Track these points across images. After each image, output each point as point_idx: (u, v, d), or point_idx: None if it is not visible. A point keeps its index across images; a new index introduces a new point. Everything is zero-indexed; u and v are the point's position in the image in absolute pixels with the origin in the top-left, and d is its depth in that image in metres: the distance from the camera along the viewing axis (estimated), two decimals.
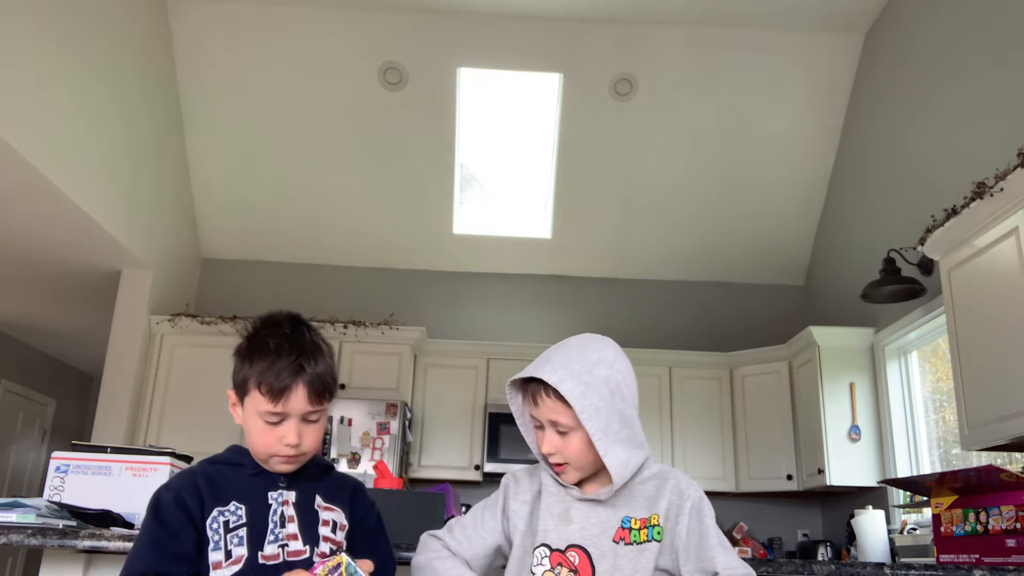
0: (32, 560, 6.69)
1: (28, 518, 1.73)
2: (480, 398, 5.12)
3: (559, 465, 1.32)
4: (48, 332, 6.47)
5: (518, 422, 1.39)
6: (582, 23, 4.77)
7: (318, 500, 1.37)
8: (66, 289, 5.32)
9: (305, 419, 1.32)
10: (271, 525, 1.31)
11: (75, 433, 7.56)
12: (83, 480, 2.02)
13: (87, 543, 1.66)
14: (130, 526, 1.91)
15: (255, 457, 1.35)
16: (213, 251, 5.74)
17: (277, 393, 1.29)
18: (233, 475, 1.34)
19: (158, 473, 2.05)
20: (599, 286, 5.80)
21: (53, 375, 7.32)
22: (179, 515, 1.28)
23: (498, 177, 5.60)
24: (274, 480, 1.35)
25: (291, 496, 1.34)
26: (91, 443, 2.58)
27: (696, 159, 5.26)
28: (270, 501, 1.33)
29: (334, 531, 1.36)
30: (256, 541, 1.29)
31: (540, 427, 1.32)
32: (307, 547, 1.31)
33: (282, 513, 1.32)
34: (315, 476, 1.40)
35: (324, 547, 1.33)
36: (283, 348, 1.31)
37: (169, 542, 1.26)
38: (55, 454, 2.07)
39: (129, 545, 1.67)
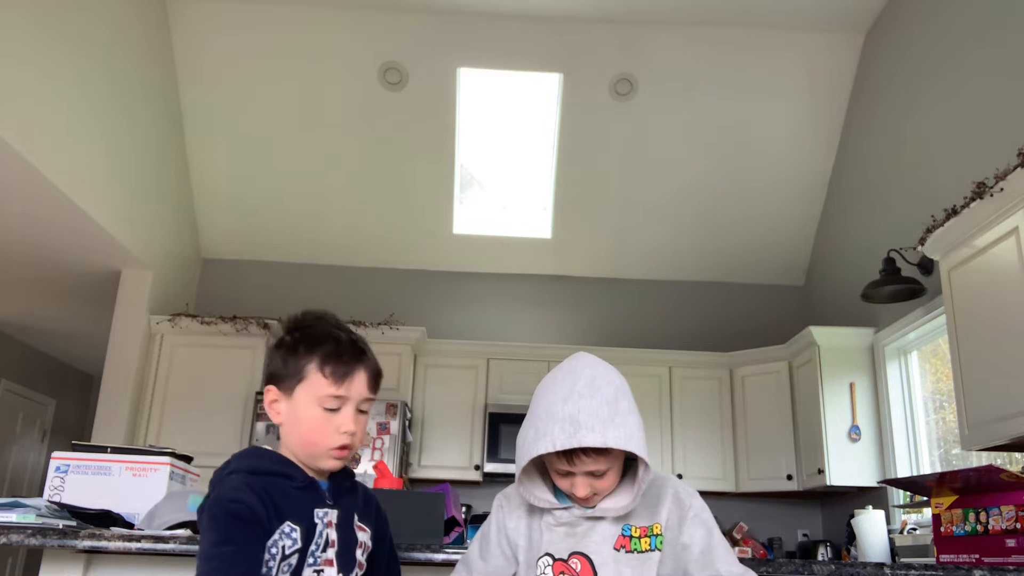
0: (32, 560, 6.68)
1: (28, 518, 1.73)
2: (480, 398, 5.12)
3: (586, 500, 1.30)
4: (48, 332, 6.47)
5: (521, 478, 1.33)
6: (582, 23, 4.76)
7: (356, 519, 1.32)
8: (66, 289, 5.32)
9: (359, 408, 1.29)
10: (313, 548, 1.23)
11: (75, 433, 7.56)
12: (83, 480, 2.03)
13: (87, 543, 1.66)
14: (130, 526, 1.91)
15: (307, 452, 1.28)
16: (213, 251, 5.74)
17: (342, 375, 1.26)
18: (283, 487, 1.24)
19: (158, 473, 2.05)
20: (599, 286, 5.80)
21: (53, 375, 7.32)
22: (256, 526, 1.17)
23: (498, 177, 5.60)
24: (320, 495, 1.28)
25: (334, 516, 1.28)
26: (91, 443, 2.58)
27: (696, 159, 5.26)
28: (315, 520, 1.25)
29: (364, 554, 1.32)
30: (298, 566, 1.22)
31: (566, 475, 1.28)
32: (341, 574, 1.26)
33: (327, 536, 1.25)
34: (350, 488, 1.35)
35: (355, 573, 1.28)
36: (339, 334, 1.31)
37: (252, 561, 1.15)
38: (55, 454, 2.07)
39: (129, 545, 1.66)
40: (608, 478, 1.28)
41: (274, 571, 1.19)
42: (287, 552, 1.20)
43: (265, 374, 1.34)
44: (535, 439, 1.25)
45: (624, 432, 1.23)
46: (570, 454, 1.24)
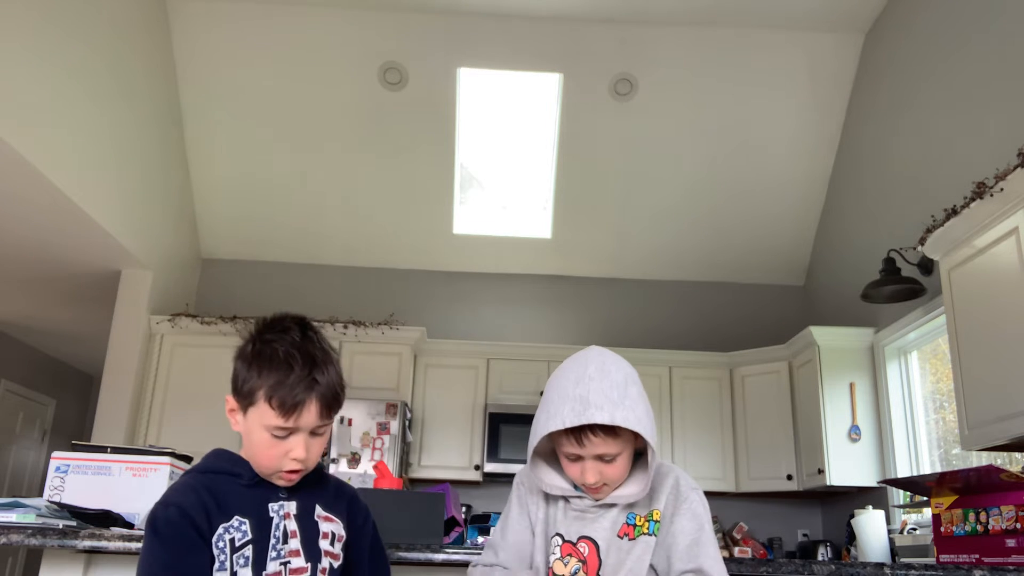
0: (32, 560, 6.69)
1: (28, 518, 1.73)
2: (480, 398, 5.12)
3: (596, 488, 1.32)
4: (48, 332, 6.47)
5: (533, 466, 1.37)
6: (582, 23, 4.77)
7: (318, 510, 1.32)
8: (66, 289, 5.32)
9: (312, 432, 1.27)
10: (273, 541, 1.25)
11: (75, 433, 7.56)
12: (83, 480, 2.02)
13: (87, 543, 1.66)
14: (130, 526, 1.91)
15: (256, 470, 1.28)
16: (213, 251, 5.74)
17: (290, 409, 1.22)
18: (230, 486, 1.27)
19: (158, 473, 2.05)
20: (599, 286, 5.80)
21: (53, 375, 7.32)
22: (188, 532, 1.20)
23: (498, 177, 5.60)
24: (274, 490, 1.29)
25: (292, 507, 1.29)
26: (91, 443, 2.58)
27: (696, 159, 5.26)
28: (271, 514, 1.27)
29: (332, 544, 1.32)
30: (259, 559, 1.23)
31: (576, 460, 1.31)
32: (309, 564, 1.27)
33: (284, 528, 1.27)
34: (313, 482, 1.34)
35: (325, 562, 1.29)
36: (295, 359, 1.24)
37: (180, 565, 1.19)
38: (55, 454, 2.07)
39: (129, 545, 1.67)
40: (617, 465, 1.30)
41: (227, 563, 1.20)
42: (237, 544, 1.22)
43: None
44: (546, 420, 1.29)
45: (633, 414, 1.26)
46: (579, 435, 1.27)
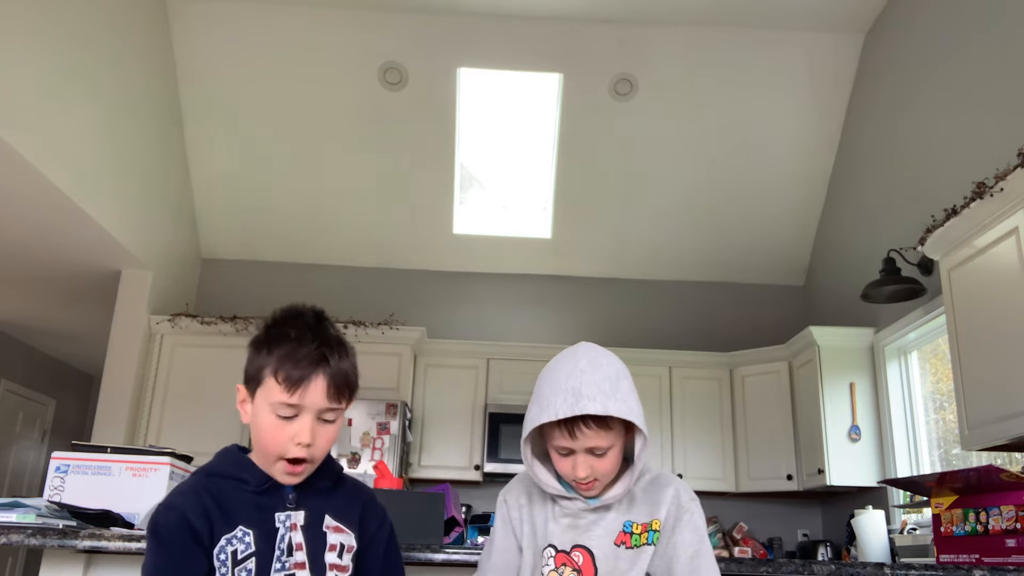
0: (32, 560, 6.69)
1: (28, 518, 1.73)
2: (480, 398, 5.12)
3: (587, 484, 1.31)
4: (48, 332, 6.47)
5: (528, 462, 1.35)
6: (582, 23, 4.77)
7: (327, 520, 1.27)
8: (66, 289, 5.32)
9: (321, 418, 1.22)
10: (277, 552, 1.20)
11: (75, 433, 7.56)
12: (83, 480, 2.03)
13: (87, 543, 1.66)
14: (130, 526, 1.92)
15: (263, 457, 1.24)
16: (213, 251, 5.74)
17: (295, 382, 1.18)
18: (236, 492, 1.22)
19: (158, 473, 2.05)
20: (599, 286, 5.80)
21: (53, 375, 7.32)
22: (185, 538, 1.17)
23: (498, 177, 5.60)
24: (282, 498, 1.24)
25: (299, 518, 1.24)
26: (91, 443, 2.58)
27: (696, 159, 5.26)
28: (277, 524, 1.22)
29: (340, 555, 1.26)
30: (263, 571, 1.19)
31: (567, 455, 1.30)
32: None
33: (290, 540, 1.22)
34: (326, 489, 1.30)
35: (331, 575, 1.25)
36: (305, 336, 1.22)
37: (177, 570, 1.17)
38: (55, 454, 2.07)
39: (129, 545, 1.67)
40: (607, 460, 1.30)
41: (228, 574, 1.17)
42: (240, 557, 1.18)
43: None
44: (538, 412, 1.29)
45: (625, 405, 1.27)
46: (572, 427, 1.27)
